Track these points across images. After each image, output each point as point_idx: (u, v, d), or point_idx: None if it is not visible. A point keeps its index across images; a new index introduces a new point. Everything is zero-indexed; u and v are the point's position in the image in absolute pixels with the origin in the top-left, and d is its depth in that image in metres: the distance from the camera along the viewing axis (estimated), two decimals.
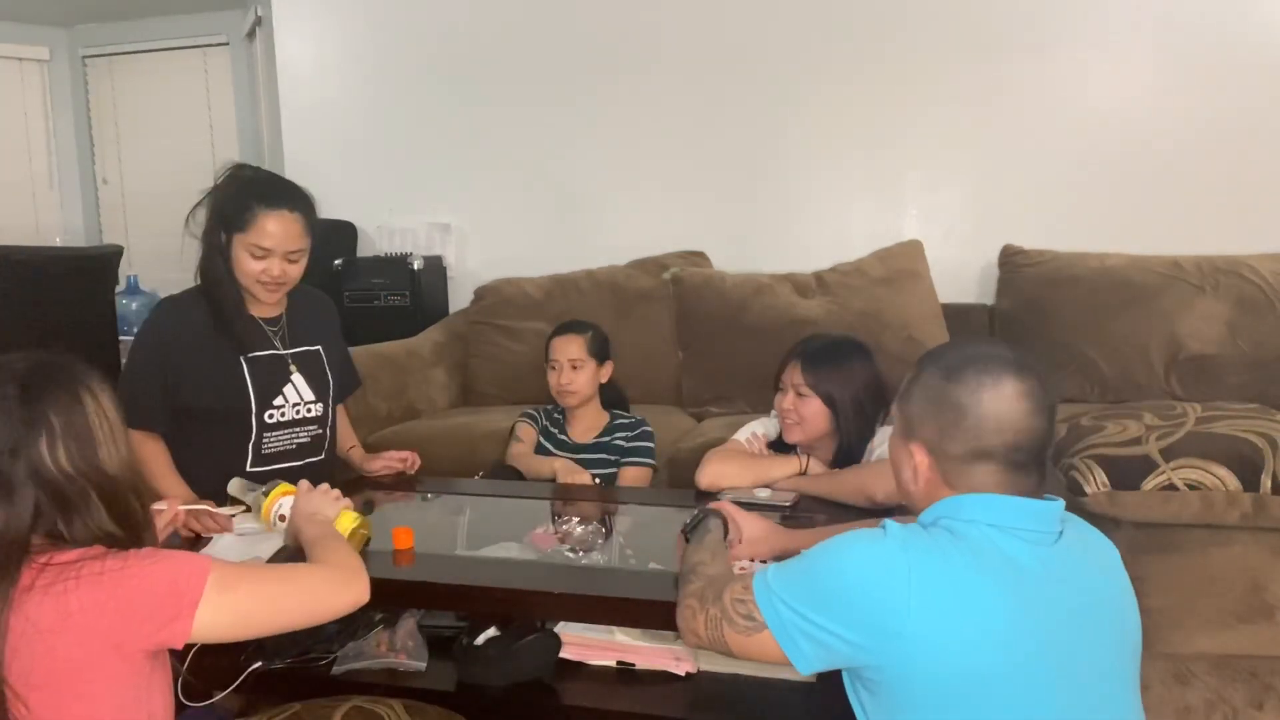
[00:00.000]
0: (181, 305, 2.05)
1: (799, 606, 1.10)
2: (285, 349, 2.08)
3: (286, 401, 2.05)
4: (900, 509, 1.42)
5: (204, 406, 1.99)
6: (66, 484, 1.16)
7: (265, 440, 2.03)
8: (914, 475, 1.19)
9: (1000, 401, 1.13)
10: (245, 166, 2.03)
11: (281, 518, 1.71)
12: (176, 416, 1.98)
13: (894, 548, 1.08)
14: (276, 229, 1.93)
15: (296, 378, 2.08)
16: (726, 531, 1.54)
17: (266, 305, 2.05)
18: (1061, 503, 1.16)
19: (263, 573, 1.35)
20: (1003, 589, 1.05)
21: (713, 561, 1.35)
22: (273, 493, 1.75)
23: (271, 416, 2.03)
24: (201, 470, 1.97)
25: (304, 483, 1.71)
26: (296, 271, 2.01)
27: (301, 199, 1.99)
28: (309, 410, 2.09)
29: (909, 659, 1.03)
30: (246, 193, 1.95)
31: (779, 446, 2.16)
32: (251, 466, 2.01)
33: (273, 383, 2.04)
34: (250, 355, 2.01)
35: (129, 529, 1.21)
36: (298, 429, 2.08)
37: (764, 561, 1.61)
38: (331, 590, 1.34)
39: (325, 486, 1.70)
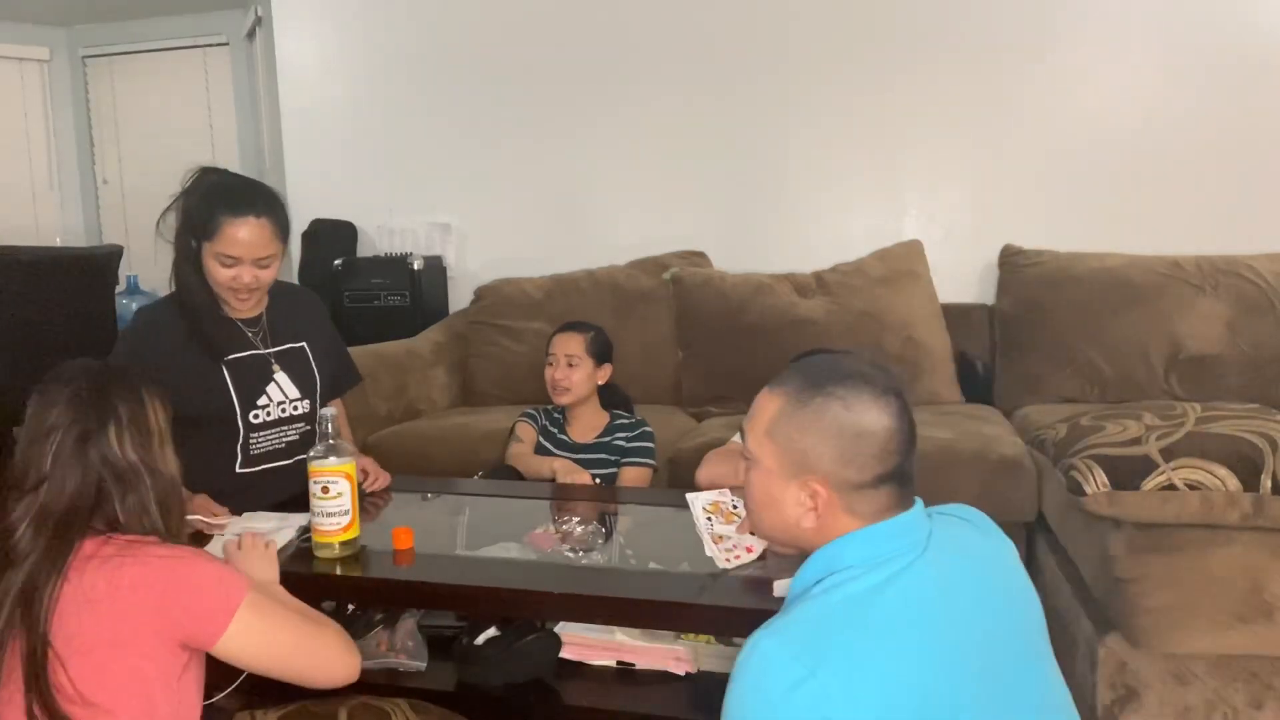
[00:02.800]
0: (155, 314, 2.04)
1: None
2: (267, 348, 2.06)
3: (271, 401, 2.04)
4: None
5: (188, 413, 1.95)
6: (128, 470, 1.30)
7: (253, 441, 2.02)
8: (805, 513, 1.11)
9: (893, 419, 1.09)
10: (212, 170, 1.97)
11: None
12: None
13: (779, 655, 0.98)
14: (245, 236, 1.89)
15: (280, 376, 2.06)
16: None
17: (244, 308, 2.03)
18: (919, 503, 1.12)
19: (292, 615, 1.37)
20: (900, 637, 1.00)
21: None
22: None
23: (257, 417, 2.02)
24: (192, 474, 1.94)
25: (229, 544, 1.59)
26: (268, 276, 1.97)
27: (270, 203, 1.94)
28: (295, 408, 2.08)
29: None
30: (213, 200, 1.90)
31: None
32: (241, 468, 2.00)
33: (255, 383, 2.02)
34: (230, 358, 1.99)
35: (170, 523, 1.34)
36: (285, 427, 2.06)
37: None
38: (341, 661, 1.39)
39: (250, 541, 1.58)
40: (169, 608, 1.22)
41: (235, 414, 1.99)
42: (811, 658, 0.96)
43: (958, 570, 1.09)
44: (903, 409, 1.11)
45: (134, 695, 1.20)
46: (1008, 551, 1.18)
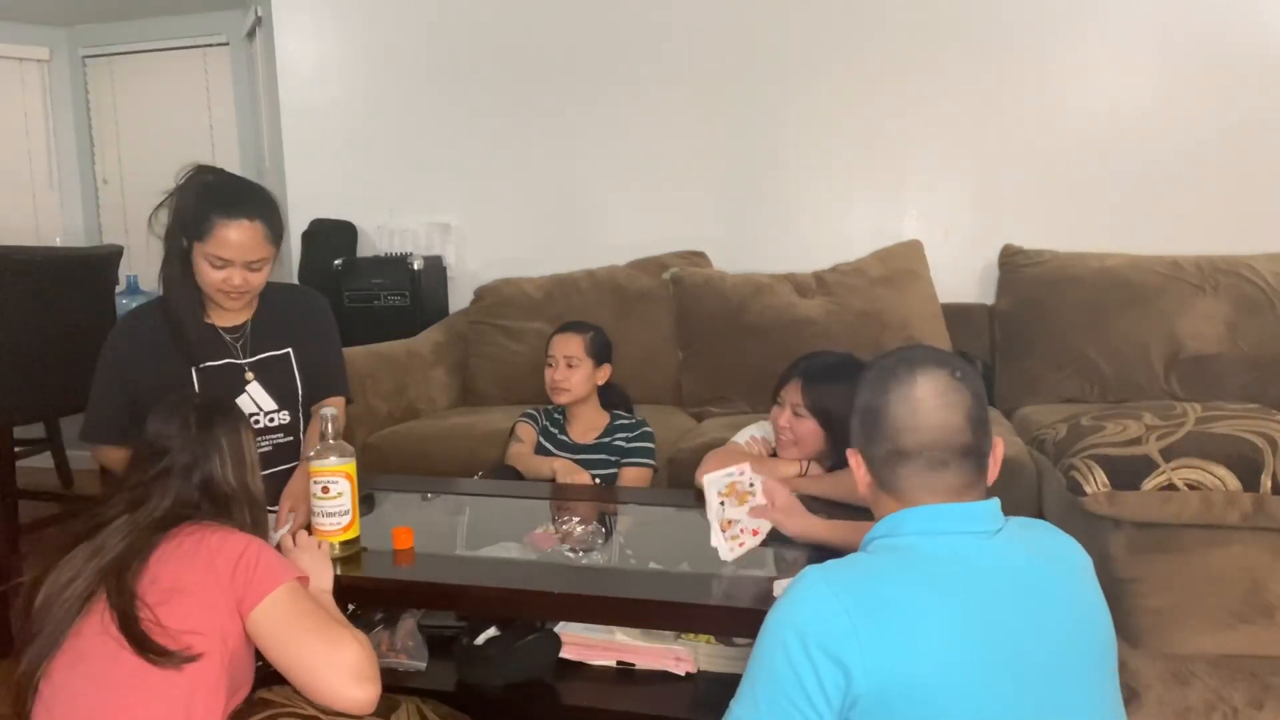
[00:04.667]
0: (139, 318, 2.02)
1: (766, 709, 1.05)
2: (243, 358, 2.02)
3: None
4: None
5: None
6: (228, 494, 1.48)
7: None
8: (859, 482, 1.23)
9: (907, 402, 1.15)
10: (206, 169, 1.94)
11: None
12: (140, 431, 1.94)
13: (819, 588, 1.06)
14: (237, 238, 1.86)
15: (254, 387, 2.02)
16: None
17: (231, 312, 2.01)
18: (996, 501, 1.16)
19: (323, 621, 1.36)
20: (946, 597, 1.04)
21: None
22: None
23: None
24: None
25: (284, 540, 1.65)
26: (259, 279, 1.95)
27: (263, 205, 1.92)
28: (270, 420, 2.04)
29: (877, 690, 1.01)
30: (206, 200, 1.87)
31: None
32: None
33: (225, 394, 1.97)
34: (202, 365, 1.97)
35: (255, 533, 1.48)
36: (258, 439, 1.99)
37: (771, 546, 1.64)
38: (345, 688, 1.31)
39: (311, 542, 1.63)
40: (233, 568, 1.33)
41: None
42: (850, 598, 1.04)
43: (1024, 567, 1.12)
44: (928, 394, 1.15)
45: (199, 623, 1.30)
46: (1083, 567, 1.19)
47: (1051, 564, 1.15)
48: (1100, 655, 1.14)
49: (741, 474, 1.66)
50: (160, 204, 1.93)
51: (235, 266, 1.89)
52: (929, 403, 1.14)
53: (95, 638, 1.29)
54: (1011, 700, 1.03)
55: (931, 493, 1.14)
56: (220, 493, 1.47)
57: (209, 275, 1.90)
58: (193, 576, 1.33)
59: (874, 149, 3.52)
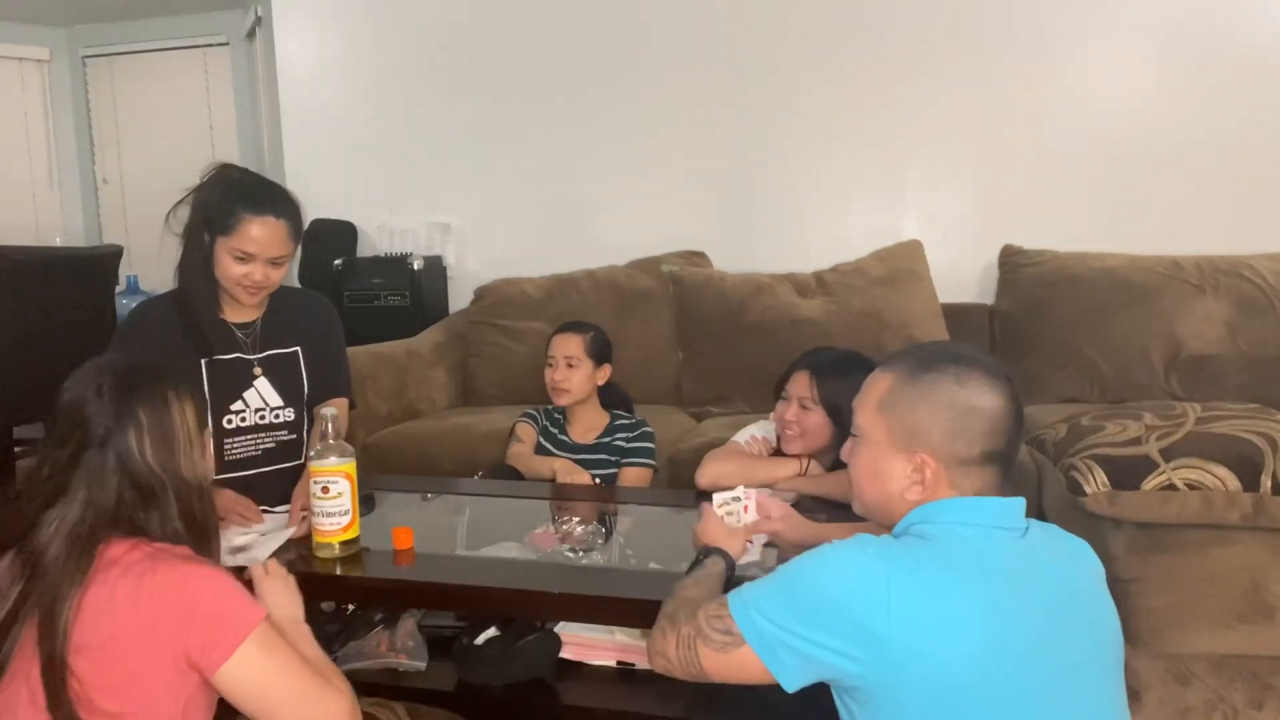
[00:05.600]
0: (152, 309, 2.03)
1: (781, 619, 1.08)
2: (252, 354, 2.04)
3: (248, 407, 2.02)
4: None
5: None
6: (149, 478, 1.24)
7: (228, 446, 2.00)
8: (911, 486, 1.17)
9: (1002, 406, 1.15)
10: (232, 167, 1.99)
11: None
12: None
13: (871, 555, 1.08)
14: (261, 234, 1.90)
15: (261, 383, 2.04)
16: (730, 573, 1.45)
17: (244, 309, 2.03)
18: (1023, 500, 1.17)
19: (296, 664, 1.24)
20: (977, 586, 1.06)
21: (694, 587, 1.31)
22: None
23: (230, 421, 2.00)
24: None
25: (256, 570, 1.47)
26: (279, 276, 1.99)
27: (288, 204, 1.96)
28: (276, 416, 2.06)
29: (894, 664, 1.02)
30: (233, 196, 1.91)
31: (777, 454, 2.16)
32: (218, 474, 1.95)
33: (232, 387, 2.00)
34: (211, 359, 1.98)
35: (197, 535, 1.27)
36: (263, 434, 2.04)
37: (776, 547, 1.64)
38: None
39: (281, 570, 1.49)
40: (183, 622, 1.17)
41: (207, 416, 1.95)
42: (890, 565, 1.06)
43: (1047, 567, 1.13)
44: (1012, 393, 1.16)
45: (139, 703, 1.16)
46: (1096, 573, 1.20)
47: (1071, 567, 1.16)
48: (1112, 658, 1.15)
49: (736, 499, 1.65)
50: (181, 200, 1.95)
51: (258, 262, 1.92)
52: (1010, 407, 1.15)
53: (16, 685, 1.15)
54: (1028, 696, 1.04)
55: (992, 491, 1.15)
56: (140, 478, 1.24)
57: (231, 270, 1.93)
58: (131, 639, 1.16)
59: (874, 149, 3.52)
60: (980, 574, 1.07)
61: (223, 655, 1.17)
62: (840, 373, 2.00)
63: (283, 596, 1.42)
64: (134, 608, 1.16)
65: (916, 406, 1.17)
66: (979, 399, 1.14)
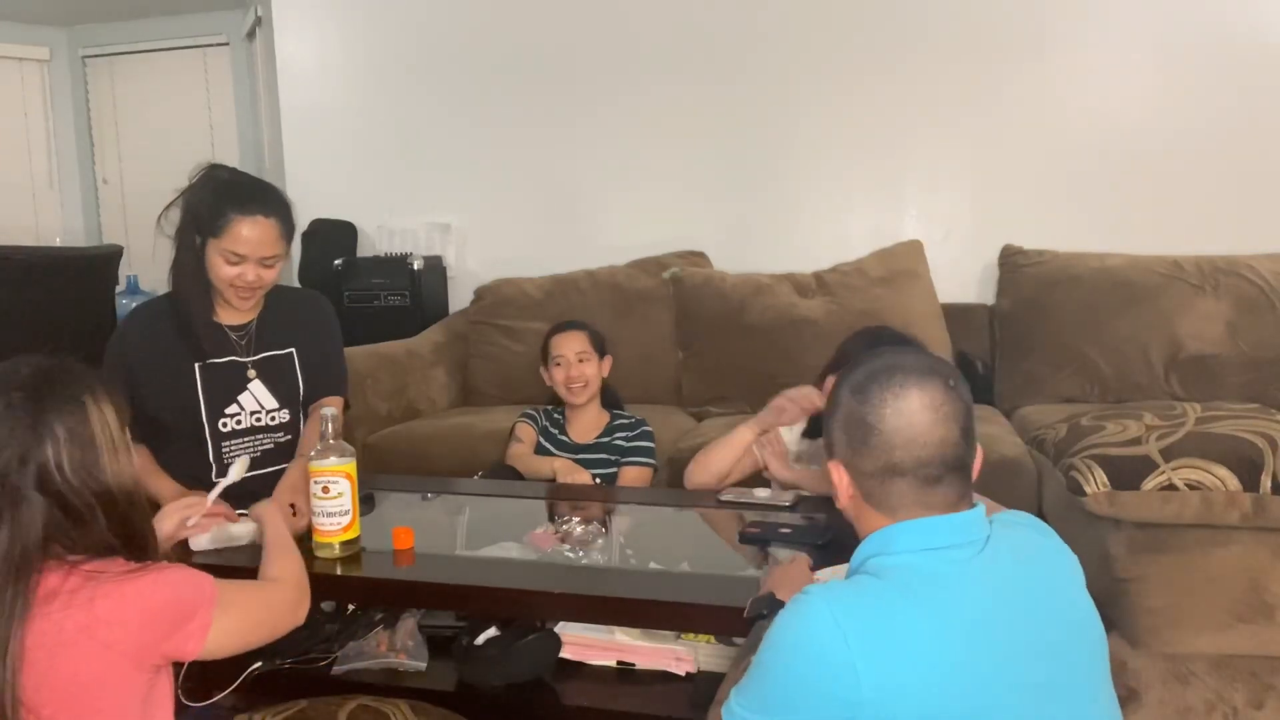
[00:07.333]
0: (147, 313, 2.02)
1: (763, 718, 1.05)
2: (246, 356, 2.03)
3: (243, 410, 2.01)
4: None
5: (160, 416, 1.94)
6: (72, 495, 1.15)
7: (224, 449, 1.99)
8: (839, 494, 1.17)
9: (902, 416, 1.09)
10: (221, 167, 1.96)
11: None
12: (142, 426, 1.94)
13: (825, 620, 1.03)
14: (252, 235, 1.88)
15: (255, 385, 2.03)
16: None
17: (238, 311, 2.02)
18: (982, 508, 1.13)
19: (248, 593, 1.37)
20: (937, 616, 1.03)
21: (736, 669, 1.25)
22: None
23: (225, 425, 1.99)
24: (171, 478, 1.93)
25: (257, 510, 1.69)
26: (271, 276, 1.97)
27: (278, 203, 1.94)
28: (271, 418, 2.05)
29: (879, 714, 1.00)
30: (222, 197, 1.89)
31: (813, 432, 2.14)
32: (217, 477, 1.94)
33: (226, 390, 1.99)
34: (205, 362, 1.98)
35: (132, 543, 1.21)
36: (259, 437, 2.03)
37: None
38: (290, 611, 1.42)
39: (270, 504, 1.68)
40: (147, 635, 1.14)
41: (201, 419, 1.97)
42: (851, 624, 1.01)
43: (1013, 578, 1.09)
44: (922, 407, 1.09)
45: (110, 716, 1.14)
46: (1069, 567, 1.17)
47: (1038, 568, 1.13)
48: (1093, 655, 1.13)
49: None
50: (171, 202, 1.94)
51: (249, 262, 1.91)
52: (924, 416, 1.08)
53: None
54: (1013, 713, 1.02)
55: (925, 508, 1.10)
56: (64, 498, 1.14)
57: (222, 271, 1.91)
58: (96, 670, 1.12)
59: (874, 149, 3.52)
60: (939, 603, 1.04)
61: (197, 644, 1.21)
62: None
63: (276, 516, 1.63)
64: (89, 640, 1.11)
65: (832, 419, 1.16)
66: (873, 413, 1.10)
